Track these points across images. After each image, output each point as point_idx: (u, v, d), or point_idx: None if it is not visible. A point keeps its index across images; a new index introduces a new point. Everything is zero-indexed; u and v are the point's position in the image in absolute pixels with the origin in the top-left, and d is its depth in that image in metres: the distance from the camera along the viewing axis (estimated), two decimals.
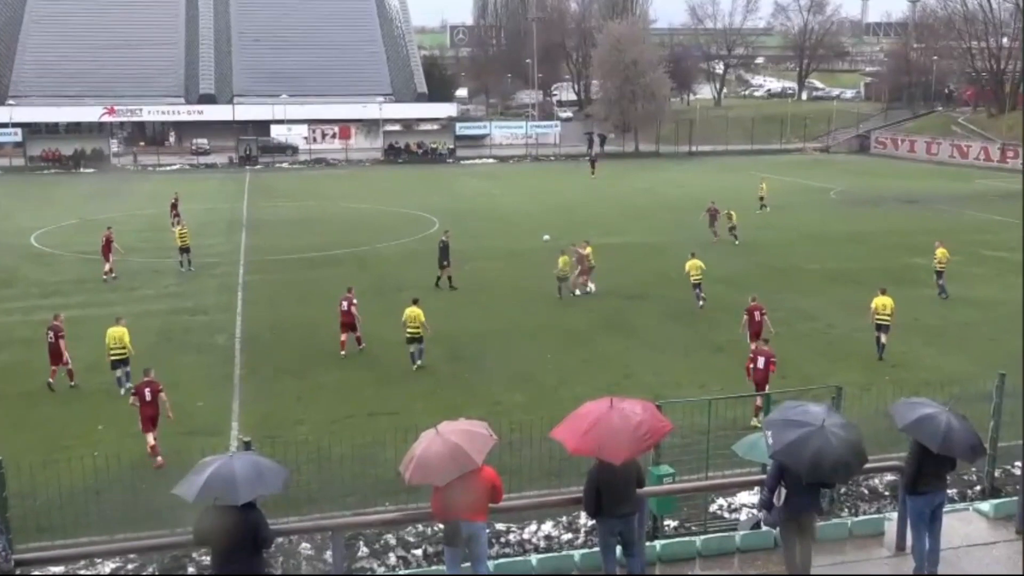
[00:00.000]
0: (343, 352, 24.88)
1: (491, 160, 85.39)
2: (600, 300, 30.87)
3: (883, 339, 24.34)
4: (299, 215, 50.84)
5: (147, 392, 18.36)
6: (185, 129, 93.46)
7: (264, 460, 9.15)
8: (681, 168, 76.81)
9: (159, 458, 17.86)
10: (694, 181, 65.50)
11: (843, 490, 15.80)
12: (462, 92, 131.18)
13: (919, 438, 10.40)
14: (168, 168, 79.20)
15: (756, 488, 14.02)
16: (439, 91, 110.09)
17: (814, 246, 40.40)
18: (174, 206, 46.66)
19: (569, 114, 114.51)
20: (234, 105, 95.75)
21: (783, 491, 9.68)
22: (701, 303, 29.44)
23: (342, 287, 28.25)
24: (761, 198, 50.66)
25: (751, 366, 20.16)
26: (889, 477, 15.73)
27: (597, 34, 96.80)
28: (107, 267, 34.51)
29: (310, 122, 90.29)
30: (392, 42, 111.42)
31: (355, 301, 25.14)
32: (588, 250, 31.95)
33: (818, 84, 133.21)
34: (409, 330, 23.70)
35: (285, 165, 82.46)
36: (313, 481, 15.69)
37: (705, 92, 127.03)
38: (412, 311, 23.78)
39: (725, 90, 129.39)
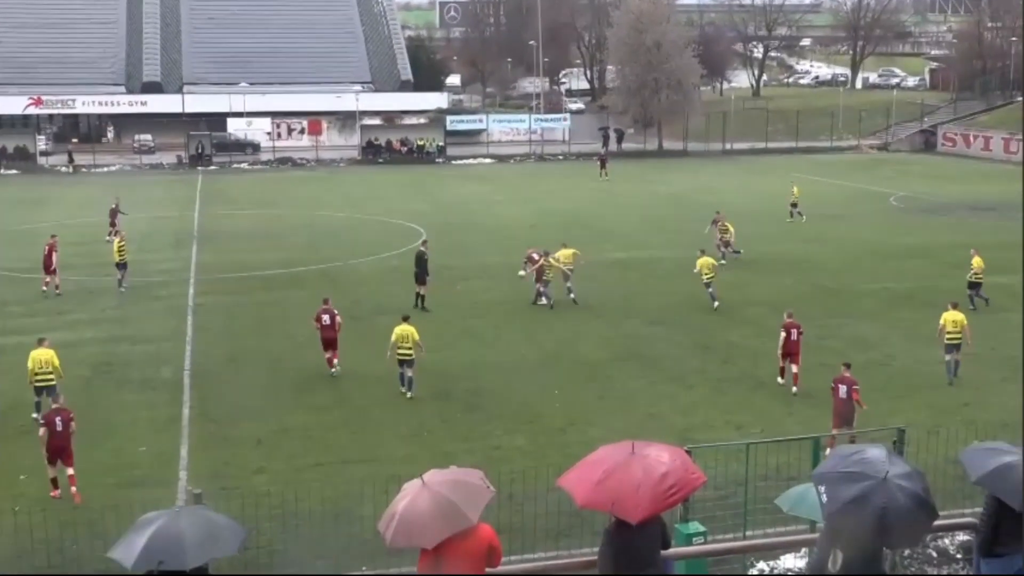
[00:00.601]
0: (333, 370, 26.09)
1: (488, 160, 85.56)
2: (618, 326, 30.89)
3: (955, 357, 25.20)
4: (260, 225, 50.93)
5: (58, 421, 18.90)
6: (126, 123, 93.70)
7: (217, 516, 9.12)
8: (713, 169, 77.00)
9: (57, 491, 18.73)
10: (729, 185, 65.63)
11: (908, 552, 15.76)
12: (454, 80, 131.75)
13: (996, 491, 10.33)
14: (106, 169, 79.29)
15: (804, 550, 13.97)
16: (427, 79, 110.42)
17: (872, 262, 40.46)
18: (114, 213, 46.89)
19: (580, 106, 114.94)
20: (184, 95, 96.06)
21: (839, 554, 9.63)
22: (716, 303, 32.51)
23: (310, 310, 28.31)
24: (794, 204, 50.89)
25: (836, 396, 20.60)
26: (961, 537, 15.70)
27: (613, 11, 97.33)
28: (55, 280, 35.45)
29: (274, 115, 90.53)
30: (371, 21, 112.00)
31: (337, 312, 26.49)
32: (563, 252, 34.43)
33: (898, 72, 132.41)
34: (401, 351, 24.42)
35: (244, 166, 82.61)
36: (276, 541, 15.65)
37: (741, 80, 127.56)
38: (404, 329, 24.55)
39: (765, 77, 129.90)
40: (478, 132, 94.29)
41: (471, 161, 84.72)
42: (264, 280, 37.86)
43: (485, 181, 70.35)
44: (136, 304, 34.27)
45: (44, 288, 35.32)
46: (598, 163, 72.89)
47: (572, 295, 33.48)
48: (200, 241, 46.48)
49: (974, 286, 32.35)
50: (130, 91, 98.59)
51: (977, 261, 32.90)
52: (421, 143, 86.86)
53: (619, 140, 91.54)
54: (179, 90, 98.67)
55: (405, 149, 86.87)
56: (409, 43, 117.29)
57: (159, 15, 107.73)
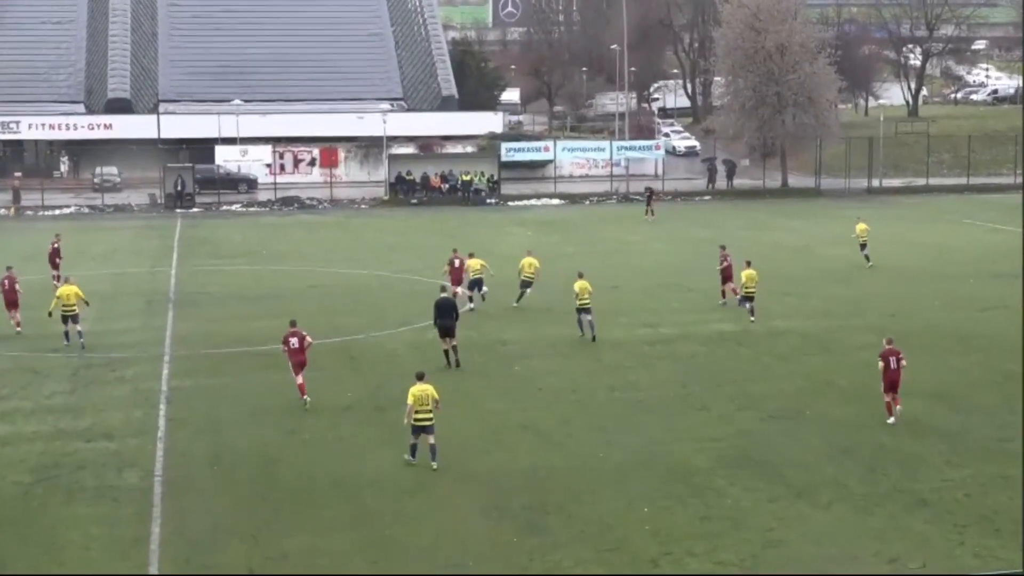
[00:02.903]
0: (306, 398, 31.46)
1: (556, 201, 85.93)
2: (728, 421, 30.68)
3: None
4: (257, 286, 51.34)
5: None
6: (85, 152, 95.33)
7: None
8: (855, 213, 76.23)
9: None
10: (877, 234, 65.16)
11: None
12: (511, 96, 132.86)
13: None
14: (57, 212, 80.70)
15: None
16: (476, 94, 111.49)
17: None
18: (55, 255, 49.56)
19: (679, 129, 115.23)
20: (159, 115, 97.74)
21: None
22: (752, 319, 41.72)
23: (323, 397, 28.38)
24: (862, 244, 54.16)
25: None
26: None
27: (722, 6, 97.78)
28: (17, 316, 40.93)
29: (275, 141, 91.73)
30: (404, 19, 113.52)
31: (306, 333, 31.75)
32: (472, 261, 44.47)
33: None
34: (420, 416, 26.51)
35: (236, 207, 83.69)
36: None
37: (893, 95, 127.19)
38: (422, 389, 26.68)
39: (925, 92, 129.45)
40: (543, 164, 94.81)
41: (533, 202, 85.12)
42: (260, 358, 38.06)
43: (552, 228, 70.51)
44: (93, 388, 34.56)
45: (19, 328, 40.82)
46: (646, 201, 75.29)
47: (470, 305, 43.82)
48: (178, 305, 46.97)
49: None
50: (91, 111, 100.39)
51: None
52: (468, 178, 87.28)
53: (729, 175, 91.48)
54: (153, 110, 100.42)
55: (447, 186, 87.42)
56: (453, 48, 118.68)
57: (129, 14, 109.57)
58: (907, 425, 29.77)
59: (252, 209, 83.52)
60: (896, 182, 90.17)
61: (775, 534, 23.20)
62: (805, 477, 26.43)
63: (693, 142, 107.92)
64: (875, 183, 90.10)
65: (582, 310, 39.30)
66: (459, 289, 43.58)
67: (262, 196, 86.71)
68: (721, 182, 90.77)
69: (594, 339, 38.99)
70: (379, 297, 48.55)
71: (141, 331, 42.45)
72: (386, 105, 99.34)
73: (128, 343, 40.23)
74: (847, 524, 23.75)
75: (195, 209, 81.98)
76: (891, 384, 29.57)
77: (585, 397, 33.12)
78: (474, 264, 44.64)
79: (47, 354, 38.14)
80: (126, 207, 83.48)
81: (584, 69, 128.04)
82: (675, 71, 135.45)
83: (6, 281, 41.41)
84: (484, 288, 44.71)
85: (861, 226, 54.64)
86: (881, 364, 29.56)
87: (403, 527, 23.72)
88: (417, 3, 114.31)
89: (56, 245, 50.69)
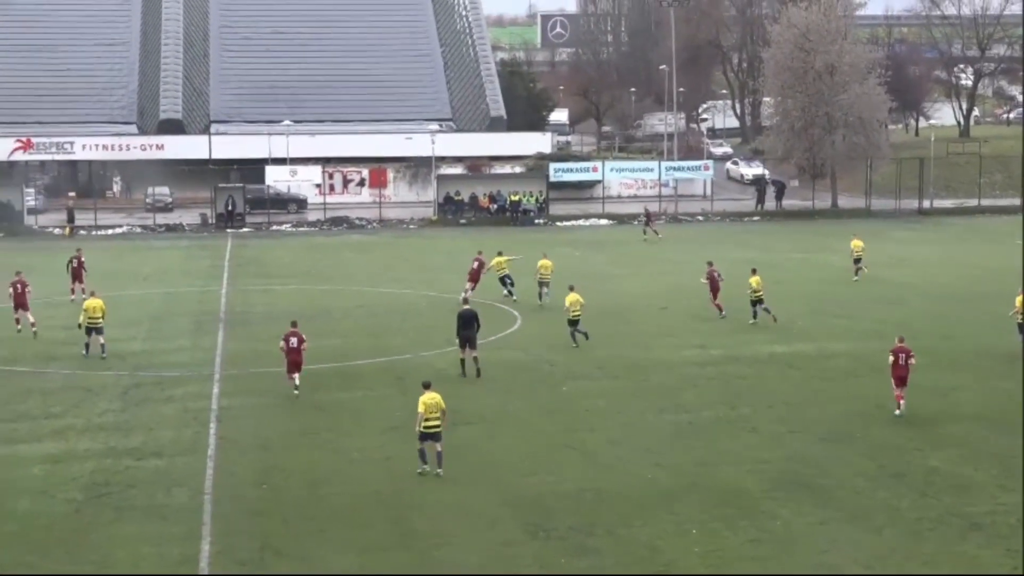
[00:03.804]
0: (296, 392, 34.57)
1: (604, 221, 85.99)
2: (778, 444, 30.50)
3: None
4: (305, 305, 51.50)
5: None
6: (137, 172, 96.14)
7: None
8: (906, 235, 76.16)
9: None
10: (928, 255, 64.81)
11: None
12: (560, 116, 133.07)
13: None
14: (110, 231, 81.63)
15: None
16: (525, 115, 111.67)
17: None
18: (80, 269, 51.38)
19: (727, 150, 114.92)
20: (211, 136, 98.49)
21: None
22: (752, 321, 45.04)
23: (370, 416, 28.31)
24: (856, 259, 56.68)
25: None
26: None
27: (771, 26, 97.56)
28: (30, 318, 43.84)
29: (325, 162, 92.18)
30: (452, 40, 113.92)
31: (304, 336, 34.72)
32: (496, 260, 50.23)
33: None
34: (429, 424, 27.56)
35: (286, 227, 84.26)
36: None
37: (945, 115, 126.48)
38: (432, 398, 27.77)
39: (977, 112, 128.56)
40: (591, 184, 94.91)
41: (581, 222, 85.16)
42: (309, 377, 38.11)
43: (600, 248, 70.55)
44: (144, 407, 34.77)
45: (19, 328, 43.91)
46: (644, 219, 77.14)
47: (510, 294, 50.34)
48: (228, 325, 47.23)
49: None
50: (143, 131, 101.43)
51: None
52: (516, 198, 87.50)
53: (778, 195, 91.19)
54: (205, 130, 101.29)
55: (495, 207, 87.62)
56: (502, 69, 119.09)
57: (182, 35, 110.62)
58: (959, 448, 29.51)
59: (302, 229, 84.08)
60: (948, 203, 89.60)
61: (826, 558, 23.01)
62: (856, 501, 26.23)
63: (761, 170, 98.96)
64: (926, 204, 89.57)
65: (573, 322, 41.29)
66: (468, 286, 47.94)
67: (312, 216, 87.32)
68: (770, 203, 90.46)
69: (575, 344, 41.25)
70: (426, 317, 48.61)
71: (191, 350, 42.74)
72: (435, 126, 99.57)
73: (178, 362, 40.52)
74: (899, 549, 23.52)
75: (245, 229, 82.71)
76: (900, 380, 32.08)
77: (633, 418, 33.04)
78: (500, 261, 50.43)
79: (99, 372, 38.42)
80: (177, 227, 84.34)
81: (632, 90, 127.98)
82: (724, 91, 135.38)
83: (18, 285, 44.43)
84: (514, 292, 50.38)
85: (856, 243, 57.05)
86: (891, 359, 32.14)
87: (450, 548, 23.69)
88: (466, 24, 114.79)
89: (80, 259, 52.02)
